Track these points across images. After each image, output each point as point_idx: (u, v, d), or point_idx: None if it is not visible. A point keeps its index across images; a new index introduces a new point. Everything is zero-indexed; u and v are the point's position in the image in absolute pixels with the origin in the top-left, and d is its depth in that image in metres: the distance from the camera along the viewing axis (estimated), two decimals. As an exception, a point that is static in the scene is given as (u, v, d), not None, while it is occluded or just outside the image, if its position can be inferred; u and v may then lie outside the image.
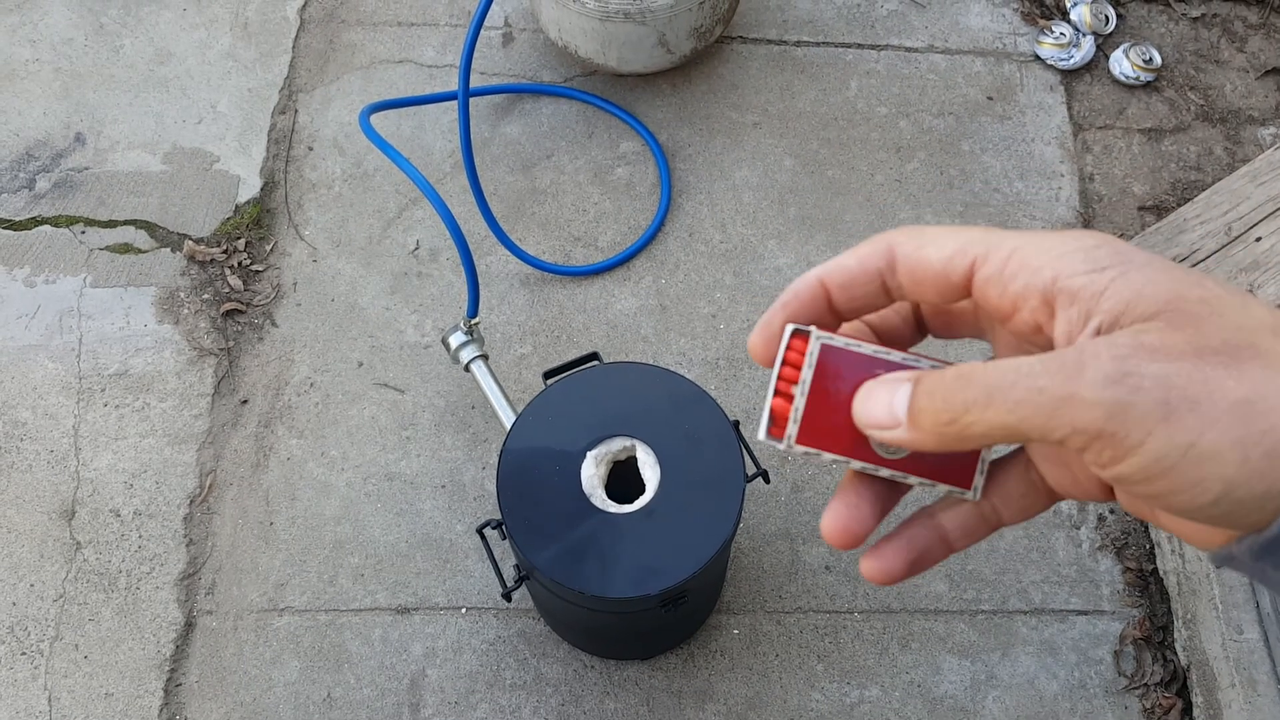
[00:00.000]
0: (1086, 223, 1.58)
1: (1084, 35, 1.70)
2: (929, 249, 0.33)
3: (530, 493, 1.08)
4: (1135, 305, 0.30)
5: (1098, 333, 0.30)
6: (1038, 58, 1.70)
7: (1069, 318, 0.31)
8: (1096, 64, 1.71)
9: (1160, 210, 1.59)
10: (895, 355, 0.35)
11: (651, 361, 1.47)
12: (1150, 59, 1.68)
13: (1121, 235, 1.55)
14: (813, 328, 0.34)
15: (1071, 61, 1.68)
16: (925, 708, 1.28)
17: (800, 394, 0.34)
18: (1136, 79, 1.68)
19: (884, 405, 0.32)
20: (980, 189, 1.60)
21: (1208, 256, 1.41)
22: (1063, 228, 1.55)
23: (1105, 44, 1.72)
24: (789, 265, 1.54)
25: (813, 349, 0.34)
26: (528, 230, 1.56)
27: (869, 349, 0.34)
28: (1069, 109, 1.67)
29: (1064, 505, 1.39)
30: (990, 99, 1.67)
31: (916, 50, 1.72)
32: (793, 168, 1.62)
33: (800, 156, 1.63)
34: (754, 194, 1.60)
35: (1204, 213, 1.47)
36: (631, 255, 1.54)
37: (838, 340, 0.34)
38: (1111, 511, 1.39)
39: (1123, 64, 1.68)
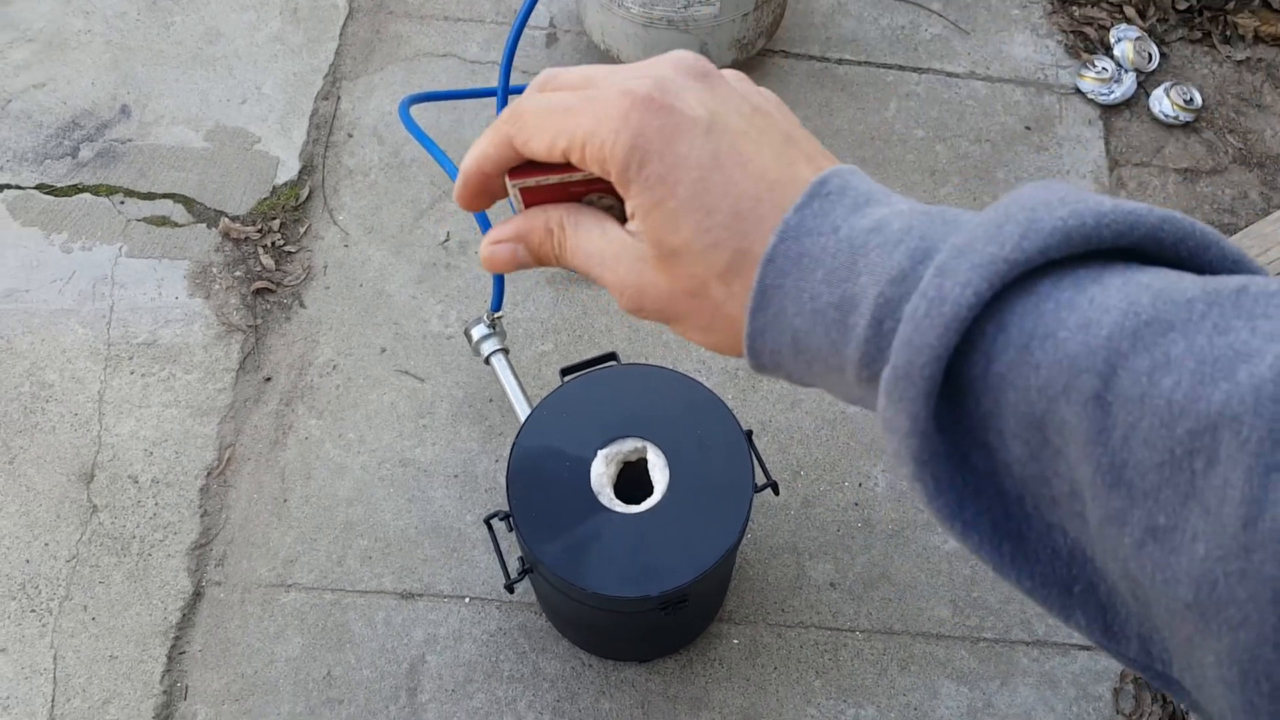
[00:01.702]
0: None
1: (1126, 71, 1.70)
2: (532, 144, 0.37)
3: (540, 487, 1.09)
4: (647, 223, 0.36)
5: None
6: (1078, 91, 1.70)
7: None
8: (1137, 101, 1.70)
9: (1192, 251, 1.58)
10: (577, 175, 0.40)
11: (671, 367, 1.48)
12: (1191, 99, 1.67)
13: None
14: (506, 180, 0.40)
15: (1112, 97, 1.68)
16: (920, 731, 1.28)
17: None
18: (1176, 118, 1.67)
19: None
20: (1011, 218, 1.59)
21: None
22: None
23: (1147, 81, 1.72)
24: (814, 281, 1.54)
25: (513, 192, 0.41)
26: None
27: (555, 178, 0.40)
28: (1106, 144, 1.66)
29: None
30: (1028, 129, 1.67)
31: (958, 75, 1.72)
32: (825, 184, 1.62)
33: (833, 174, 1.63)
34: (785, 208, 1.60)
35: (1235, 256, 1.46)
36: (658, 261, 1.55)
37: (529, 180, 0.40)
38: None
39: (1163, 103, 1.67)
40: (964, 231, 0.30)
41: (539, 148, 0.37)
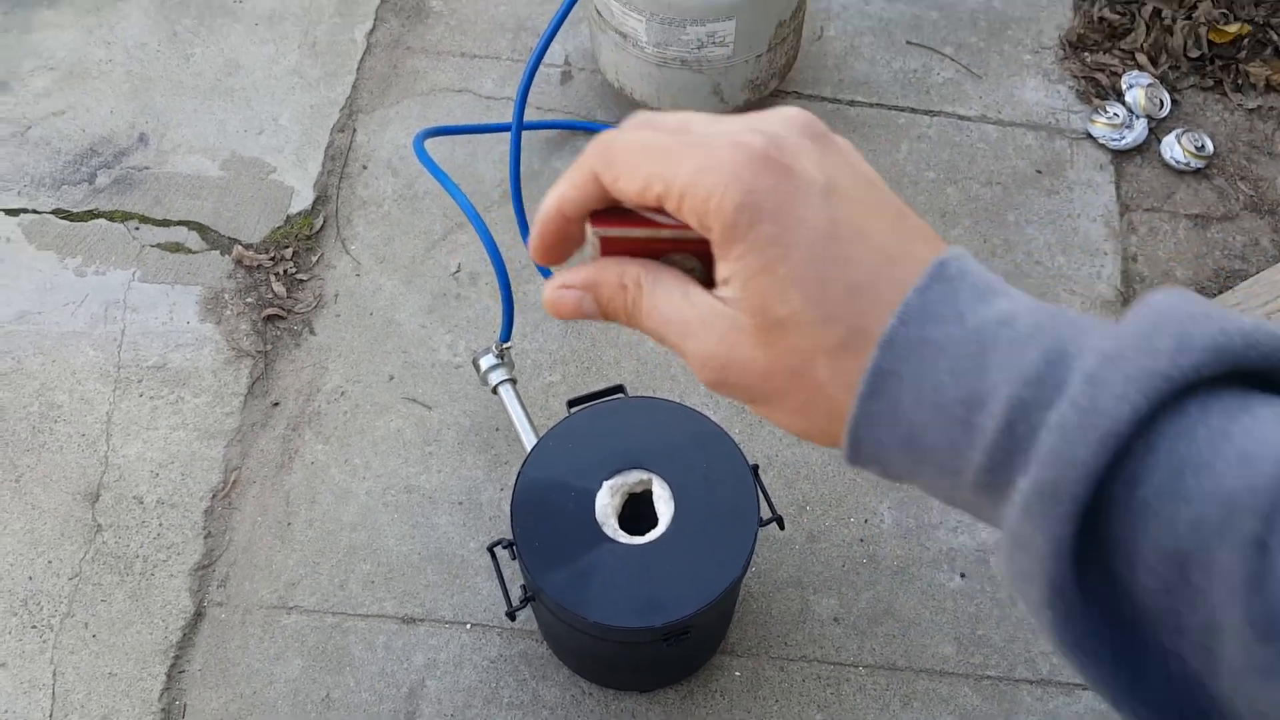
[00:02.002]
0: (1125, 302, 1.57)
1: (1138, 118, 1.71)
2: (621, 183, 0.35)
3: (544, 516, 1.09)
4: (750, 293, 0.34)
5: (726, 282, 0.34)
6: (1090, 136, 1.71)
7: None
8: (1148, 147, 1.71)
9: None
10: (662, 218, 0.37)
11: (680, 401, 1.48)
12: (1202, 146, 1.68)
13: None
14: (587, 225, 0.38)
15: (1123, 142, 1.69)
16: (922, 772, 1.26)
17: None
18: (1187, 165, 1.68)
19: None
20: (1022, 260, 1.60)
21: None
22: (1102, 305, 1.55)
23: (1158, 128, 1.73)
24: (823, 318, 1.55)
25: (591, 239, 0.38)
26: (568, 263, 1.58)
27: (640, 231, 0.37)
28: (1117, 188, 1.67)
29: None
30: (1039, 172, 1.68)
31: (969, 119, 1.73)
32: (835, 223, 1.63)
33: (843, 213, 1.64)
34: (794, 245, 1.61)
35: (1244, 301, 1.46)
36: (668, 295, 1.56)
37: (612, 230, 0.37)
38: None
39: (1174, 149, 1.68)
40: (1107, 337, 0.28)
41: (629, 188, 0.35)
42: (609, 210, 0.37)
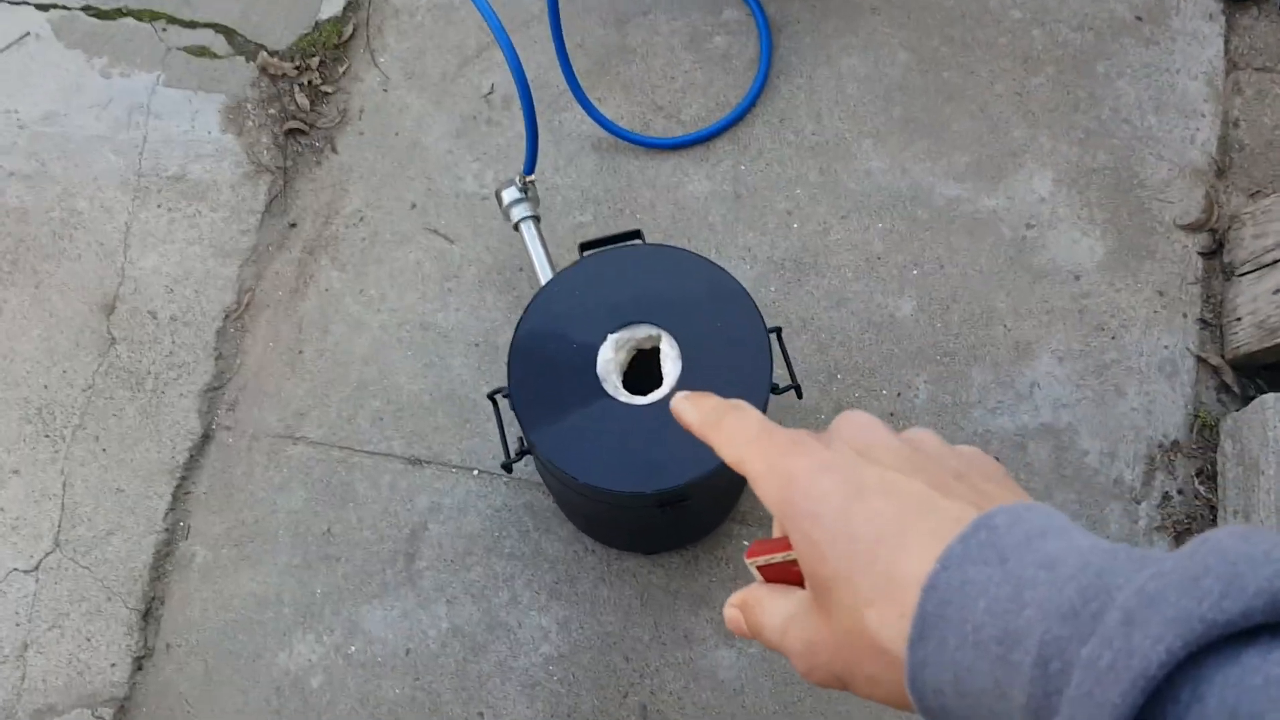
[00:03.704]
0: (1221, 171, 1.42)
1: (1266, -40, 1.51)
2: (721, 452, 0.41)
3: (543, 367, 1.03)
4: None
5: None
6: (1207, -21, 1.52)
7: None
8: (1273, -5, 1.51)
9: (1309, 171, 1.41)
10: None
11: (715, 253, 1.39)
12: (1337, -2, 1.48)
13: (1257, 191, 1.39)
14: (745, 558, 0.42)
15: (1244, -11, 1.49)
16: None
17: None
18: (1316, 19, 1.48)
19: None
20: (1108, 117, 1.44)
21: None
22: (1192, 174, 1.40)
23: (1289, -26, 1.52)
24: (881, 170, 1.42)
25: (751, 570, 0.41)
26: (609, 91, 1.47)
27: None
28: (1226, 42, 1.48)
29: (1127, 474, 1.28)
30: (1139, 19, 1.50)
31: (1071, -48, 1.54)
32: (906, 63, 1.48)
33: (917, 52, 1.49)
34: (859, 86, 1.47)
35: (1356, 181, 1.30)
36: (714, 134, 1.44)
37: (760, 559, 0.41)
38: (1180, 492, 1.28)
39: (1304, -1, 1.48)
40: (1150, 575, 0.28)
41: (726, 457, 0.40)
42: (760, 543, 0.40)
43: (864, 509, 0.34)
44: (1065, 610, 0.28)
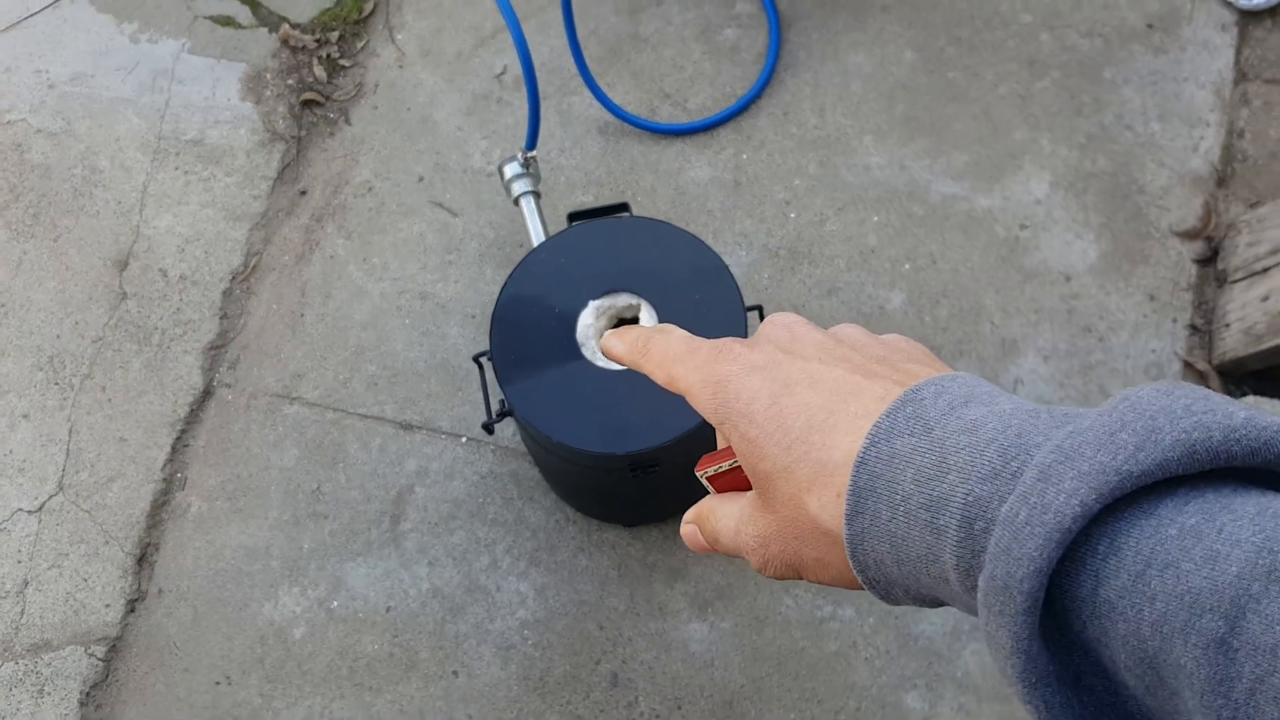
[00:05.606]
0: (1222, 181, 1.42)
1: (1279, -25, 1.51)
2: (654, 378, 0.42)
3: (524, 330, 1.06)
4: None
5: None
6: (1219, -9, 1.52)
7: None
8: (1285, 10, 1.52)
9: (1310, 184, 1.42)
10: None
11: (711, 237, 1.41)
12: (1348, 14, 1.48)
13: (1257, 202, 1.40)
14: (695, 471, 0.42)
15: (1255, 1, 1.50)
16: (896, 641, 1.23)
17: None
18: (1326, 34, 1.48)
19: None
20: (1111, 123, 1.45)
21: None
22: (1193, 182, 1.41)
23: (1302, -11, 1.53)
24: (880, 165, 1.44)
25: (703, 482, 0.42)
26: (618, 77, 1.50)
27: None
28: (1237, 53, 1.49)
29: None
30: (1150, 27, 1.51)
31: (1084, -40, 1.56)
32: (912, 62, 1.50)
33: (923, 51, 1.51)
34: (863, 83, 1.49)
35: (1352, 193, 1.30)
36: (718, 123, 1.47)
37: (709, 469, 0.42)
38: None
39: (1315, 15, 1.49)
40: (1068, 432, 0.28)
41: (658, 379, 0.41)
42: (713, 453, 0.41)
43: (793, 401, 0.35)
44: (986, 472, 0.29)
